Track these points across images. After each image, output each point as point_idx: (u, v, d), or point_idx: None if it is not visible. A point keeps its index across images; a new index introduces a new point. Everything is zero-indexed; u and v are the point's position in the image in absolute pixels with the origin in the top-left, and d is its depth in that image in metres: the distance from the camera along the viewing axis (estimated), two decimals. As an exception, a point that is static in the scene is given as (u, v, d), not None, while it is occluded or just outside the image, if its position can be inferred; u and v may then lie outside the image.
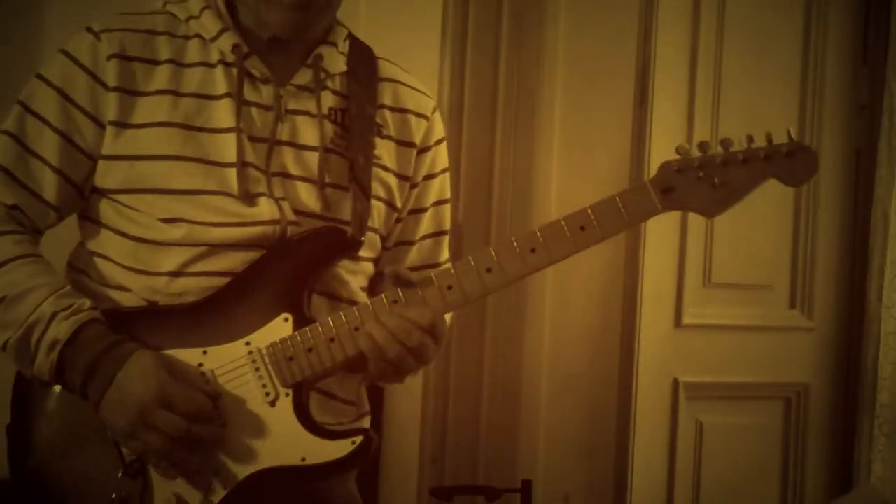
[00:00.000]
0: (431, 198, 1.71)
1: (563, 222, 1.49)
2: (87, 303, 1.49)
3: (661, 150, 2.90)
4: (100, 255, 1.56)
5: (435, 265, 1.68)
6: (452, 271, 1.50)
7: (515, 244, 1.49)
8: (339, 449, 1.47)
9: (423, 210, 1.70)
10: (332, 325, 1.49)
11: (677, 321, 3.03)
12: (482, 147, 2.88)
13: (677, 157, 1.50)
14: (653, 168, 1.52)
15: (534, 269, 1.50)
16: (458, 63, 2.79)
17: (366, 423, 1.68)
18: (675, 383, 3.03)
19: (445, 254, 1.75)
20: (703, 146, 1.49)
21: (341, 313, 1.50)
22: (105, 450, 1.49)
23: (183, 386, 1.44)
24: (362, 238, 1.56)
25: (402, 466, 2.77)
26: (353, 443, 1.47)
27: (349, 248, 1.55)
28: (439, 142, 1.71)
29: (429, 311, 1.48)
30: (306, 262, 1.52)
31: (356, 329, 1.48)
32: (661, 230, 2.98)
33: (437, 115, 1.73)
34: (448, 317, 1.60)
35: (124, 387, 1.43)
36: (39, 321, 1.46)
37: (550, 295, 2.89)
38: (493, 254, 1.49)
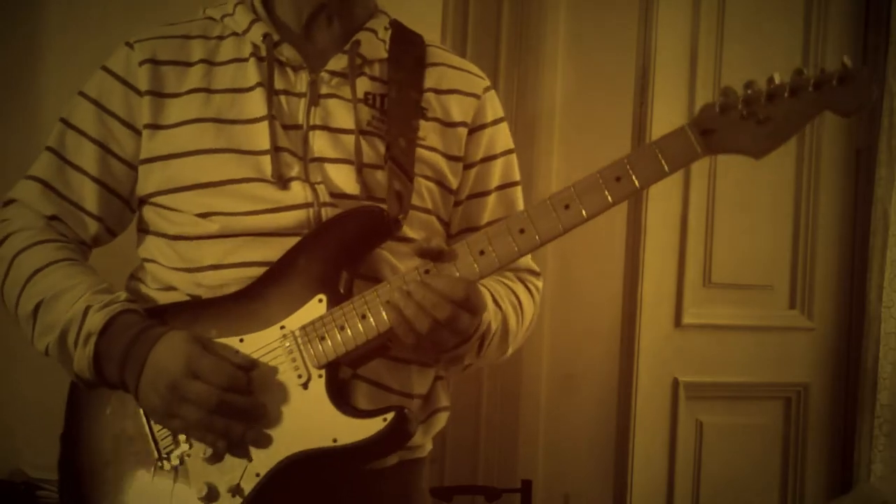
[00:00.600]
0: (494, 181, 1.65)
1: (598, 175, 1.40)
2: (123, 295, 1.49)
3: (661, 149, 2.91)
4: (149, 261, 1.57)
5: None
6: (485, 234, 1.42)
7: (549, 201, 1.40)
8: (371, 427, 1.40)
9: (486, 194, 1.64)
10: (364, 300, 1.43)
11: (677, 321, 3.03)
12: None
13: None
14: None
15: (568, 226, 1.40)
16: (458, 63, 2.78)
17: (439, 419, 1.61)
18: (675, 383, 3.04)
19: None
20: (749, 84, 1.36)
21: (375, 288, 1.44)
22: (147, 448, 1.48)
23: (213, 357, 1.41)
24: (400, 216, 1.49)
25: (402, 466, 2.76)
26: (385, 420, 1.40)
27: (387, 227, 1.48)
28: (497, 121, 1.65)
29: (461, 285, 1.39)
30: (341, 242, 1.47)
31: (387, 302, 1.41)
32: (661, 230, 2.98)
33: (492, 94, 1.67)
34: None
35: (156, 365, 1.42)
36: (75, 318, 1.46)
37: (550, 295, 2.88)
38: (526, 213, 1.41)
